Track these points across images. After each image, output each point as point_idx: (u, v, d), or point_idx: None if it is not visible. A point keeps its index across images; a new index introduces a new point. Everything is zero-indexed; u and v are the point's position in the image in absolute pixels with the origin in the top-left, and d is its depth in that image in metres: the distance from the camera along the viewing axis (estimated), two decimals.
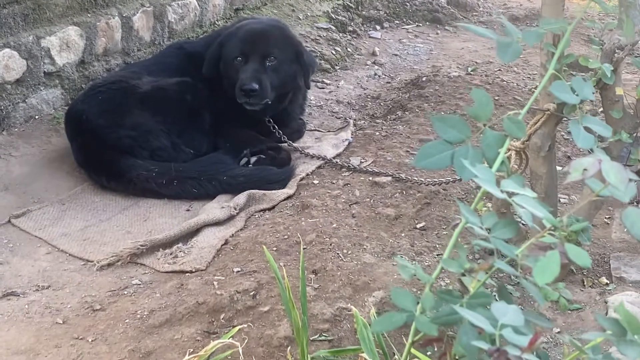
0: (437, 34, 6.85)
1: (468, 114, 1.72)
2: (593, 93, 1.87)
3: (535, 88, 5.25)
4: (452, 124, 1.71)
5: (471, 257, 3.17)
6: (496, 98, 4.83)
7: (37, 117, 4.53)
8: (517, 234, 1.50)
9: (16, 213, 3.78)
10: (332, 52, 5.97)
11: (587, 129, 1.76)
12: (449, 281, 3.03)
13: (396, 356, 2.40)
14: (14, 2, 4.29)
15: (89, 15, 4.74)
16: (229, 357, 2.53)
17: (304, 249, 3.32)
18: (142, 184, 4.00)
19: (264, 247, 2.73)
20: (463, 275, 1.54)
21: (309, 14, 6.38)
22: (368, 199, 3.77)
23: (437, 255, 3.30)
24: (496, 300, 1.41)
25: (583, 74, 4.20)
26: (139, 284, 3.24)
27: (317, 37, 6.07)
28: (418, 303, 1.52)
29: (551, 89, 1.74)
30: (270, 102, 4.33)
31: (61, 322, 2.95)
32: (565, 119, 2.97)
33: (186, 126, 4.23)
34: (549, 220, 1.38)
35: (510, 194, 1.52)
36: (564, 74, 2.60)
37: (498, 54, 1.81)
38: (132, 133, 4.07)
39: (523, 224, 2.44)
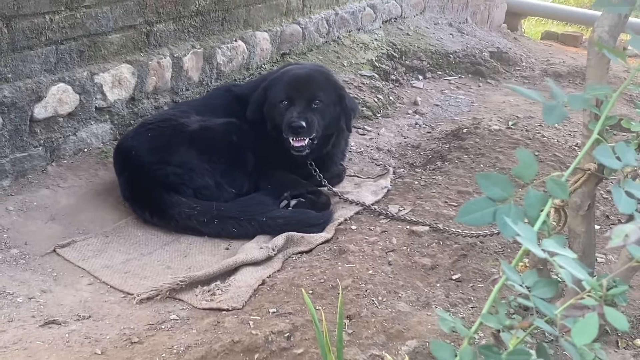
0: (479, 86, 6.91)
1: (512, 173, 1.77)
2: (636, 159, 1.90)
3: (576, 145, 5.28)
4: (495, 181, 1.76)
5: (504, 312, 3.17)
6: (536, 154, 4.85)
7: (85, 150, 4.67)
8: (556, 293, 1.53)
9: (61, 243, 3.89)
10: (374, 100, 6.06)
11: (629, 194, 1.80)
12: (482, 334, 3.04)
13: None
14: (72, 39, 4.45)
15: (141, 54, 4.90)
16: None
17: (339, 293, 3.35)
18: (184, 221, 4.09)
19: (303, 290, 2.77)
20: (501, 331, 1.58)
21: (353, 61, 6.50)
22: (405, 247, 3.81)
23: (472, 307, 3.32)
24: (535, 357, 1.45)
25: (624, 134, 4.23)
26: (177, 319, 3.30)
27: (361, 85, 6.17)
28: (456, 355, 1.56)
29: (594, 154, 1.78)
30: (316, 142, 4.42)
31: (100, 353, 3.01)
32: (605, 179, 3.00)
33: (230, 166, 4.32)
34: (589, 283, 1.42)
35: (551, 254, 1.56)
36: (606, 135, 2.64)
37: (544, 116, 1.86)
38: (178, 170, 4.18)
39: (559, 281, 2.46)
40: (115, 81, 4.72)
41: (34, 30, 4.22)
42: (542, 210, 1.74)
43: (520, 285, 1.50)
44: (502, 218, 1.68)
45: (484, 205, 1.74)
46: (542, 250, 1.57)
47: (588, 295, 1.43)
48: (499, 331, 1.55)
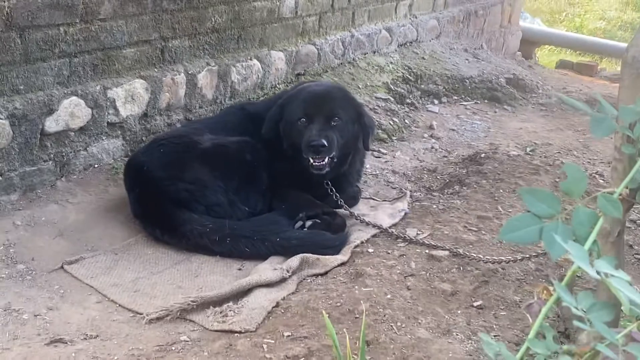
0: (495, 112, 6.81)
1: (561, 189, 1.66)
2: None
3: (596, 173, 5.15)
4: (541, 197, 1.65)
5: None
6: (557, 180, 4.74)
7: (96, 165, 4.57)
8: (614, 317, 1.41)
9: (69, 259, 3.77)
10: (389, 123, 5.96)
11: None
12: None
13: None
14: (85, 52, 4.37)
15: (155, 70, 4.81)
16: None
17: (356, 318, 3.24)
18: (196, 239, 3.97)
19: (324, 313, 2.65)
20: (551, 357, 1.46)
21: (368, 83, 6.41)
22: (424, 272, 3.69)
23: (495, 336, 3.19)
24: None
25: None
26: (187, 341, 3.17)
27: (376, 107, 6.08)
28: None
29: None
30: (335, 161, 4.30)
31: None
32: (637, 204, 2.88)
33: (243, 184, 4.21)
34: None
35: (606, 275, 1.44)
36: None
37: (592, 129, 1.76)
38: (190, 187, 4.07)
39: None
40: (128, 96, 4.63)
41: (47, 42, 4.14)
42: (592, 229, 1.63)
43: (576, 308, 1.38)
44: (550, 236, 1.57)
45: (530, 223, 1.63)
46: (596, 272, 1.46)
47: None
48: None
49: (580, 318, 1.38)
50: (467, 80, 7.07)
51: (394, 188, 5.00)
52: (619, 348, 1.29)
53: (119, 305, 3.48)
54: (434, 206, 4.51)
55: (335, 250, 3.97)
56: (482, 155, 5.29)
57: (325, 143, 4.17)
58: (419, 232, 4.14)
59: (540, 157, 5.31)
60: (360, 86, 6.32)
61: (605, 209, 1.59)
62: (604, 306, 1.40)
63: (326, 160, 4.24)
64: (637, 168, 2.07)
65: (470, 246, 3.93)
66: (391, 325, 3.17)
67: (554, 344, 1.48)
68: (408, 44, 7.28)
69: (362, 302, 3.32)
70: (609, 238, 2.99)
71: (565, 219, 1.66)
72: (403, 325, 3.18)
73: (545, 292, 2.05)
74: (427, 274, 3.66)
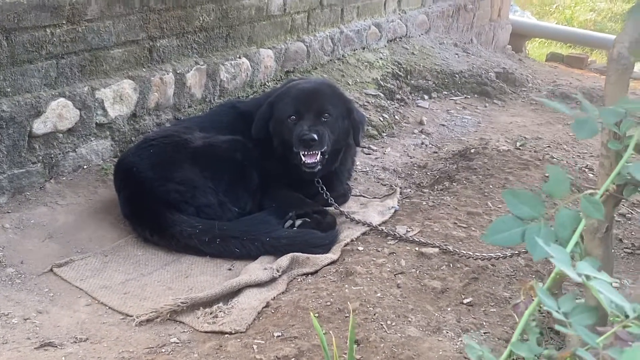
0: (485, 106, 6.81)
1: (542, 191, 1.66)
2: None
3: (586, 167, 5.16)
4: (524, 199, 1.65)
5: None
6: (546, 175, 4.75)
7: (85, 167, 4.55)
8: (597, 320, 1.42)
9: (59, 262, 3.76)
10: (379, 119, 5.96)
11: None
12: None
13: None
14: (72, 53, 4.35)
15: (144, 69, 4.80)
16: None
17: (346, 317, 3.23)
18: (185, 240, 3.97)
19: (312, 314, 2.64)
20: None
21: (358, 80, 6.41)
22: (414, 270, 3.68)
23: (485, 333, 3.19)
24: None
25: (633, 154, 4.12)
26: (177, 343, 3.17)
27: (366, 103, 6.08)
28: None
29: (630, 170, 1.68)
30: (326, 157, 4.31)
31: None
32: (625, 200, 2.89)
33: (234, 184, 4.20)
34: (636, 310, 1.30)
35: (588, 277, 1.45)
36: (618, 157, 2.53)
37: (574, 131, 1.76)
38: (180, 188, 4.06)
39: None
40: (117, 97, 4.62)
41: (34, 44, 4.12)
42: (574, 231, 1.63)
43: (557, 311, 1.38)
44: (533, 238, 1.58)
45: (513, 225, 1.64)
46: (578, 274, 1.46)
47: (634, 323, 1.31)
48: None
49: (561, 322, 1.38)
50: (457, 75, 7.07)
51: (384, 185, 5.00)
52: (599, 351, 1.29)
53: (109, 307, 3.48)
54: (424, 203, 4.51)
55: (325, 249, 3.97)
56: (472, 150, 5.29)
57: (316, 137, 4.16)
58: (408, 230, 4.14)
59: (530, 151, 5.31)
60: (349, 82, 6.32)
61: (587, 211, 1.59)
62: (586, 309, 1.40)
63: (318, 157, 4.24)
64: (623, 164, 2.07)
65: (460, 243, 3.93)
66: (381, 324, 3.17)
67: (537, 347, 1.48)
68: (397, 40, 7.27)
69: (351, 300, 3.32)
70: (597, 234, 2.98)
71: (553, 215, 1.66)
72: (393, 324, 3.18)
73: (532, 290, 2.06)
74: (417, 272, 3.66)
